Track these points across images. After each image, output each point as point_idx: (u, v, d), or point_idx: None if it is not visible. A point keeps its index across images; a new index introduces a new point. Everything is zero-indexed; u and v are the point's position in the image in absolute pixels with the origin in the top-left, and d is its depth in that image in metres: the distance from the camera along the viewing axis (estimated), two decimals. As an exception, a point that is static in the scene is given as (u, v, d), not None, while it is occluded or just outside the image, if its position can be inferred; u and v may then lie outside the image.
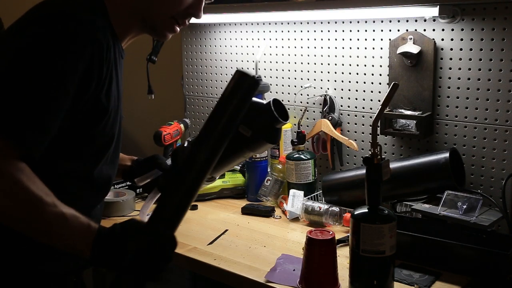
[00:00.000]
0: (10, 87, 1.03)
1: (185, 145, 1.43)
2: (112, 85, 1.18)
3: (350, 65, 1.94)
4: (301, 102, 2.08)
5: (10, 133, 1.01)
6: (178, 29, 1.27)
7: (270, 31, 2.12)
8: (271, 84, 2.12)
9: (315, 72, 2.03)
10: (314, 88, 2.04)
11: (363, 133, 1.94)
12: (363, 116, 1.93)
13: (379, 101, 1.87)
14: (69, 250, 1.06)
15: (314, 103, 2.05)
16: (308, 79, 2.06)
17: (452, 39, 1.71)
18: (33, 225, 1.03)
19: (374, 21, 1.86)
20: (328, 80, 2.00)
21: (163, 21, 1.23)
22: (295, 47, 2.07)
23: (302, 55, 2.06)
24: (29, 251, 1.17)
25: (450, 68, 1.73)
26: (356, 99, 1.94)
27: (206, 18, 2.19)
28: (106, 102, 1.16)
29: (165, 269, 1.03)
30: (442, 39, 1.72)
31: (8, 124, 1.02)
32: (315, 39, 2.01)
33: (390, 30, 1.83)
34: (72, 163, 1.19)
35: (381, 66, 1.87)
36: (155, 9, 1.21)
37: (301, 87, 2.05)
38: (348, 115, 1.97)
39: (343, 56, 1.95)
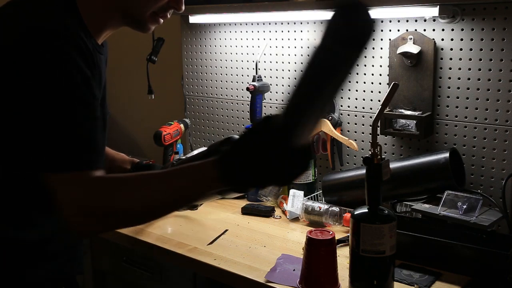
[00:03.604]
0: (45, 124, 1.01)
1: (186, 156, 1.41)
2: (95, 83, 1.14)
3: (350, 65, 1.94)
4: (301, 102, 2.07)
5: (67, 167, 1.01)
6: (162, 20, 1.23)
7: (270, 31, 2.12)
8: (271, 84, 2.11)
9: (315, 72, 2.03)
10: (314, 88, 2.03)
11: (363, 133, 1.94)
12: (363, 116, 1.93)
13: (379, 101, 1.87)
14: (204, 192, 1.03)
15: (314, 103, 2.04)
16: (308, 79, 2.05)
17: (452, 39, 1.71)
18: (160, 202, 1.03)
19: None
20: (328, 80, 2.00)
21: (145, 16, 1.20)
22: (295, 47, 2.07)
23: (302, 55, 2.06)
24: (12, 261, 1.15)
25: (450, 68, 1.73)
26: (356, 99, 1.94)
27: (206, 18, 2.20)
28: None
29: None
30: (442, 39, 1.72)
31: (58, 160, 1.01)
32: (315, 39, 2.00)
33: (390, 30, 1.83)
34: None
35: (381, 66, 1.87)
36: (135, 5, 1.18)
37: (301, 87, 2.05)
38: (348, 115, 1.96)
39: (343, 56, 1.95)
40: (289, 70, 2.10)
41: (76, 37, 1.06)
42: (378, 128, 1.69)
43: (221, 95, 2.33)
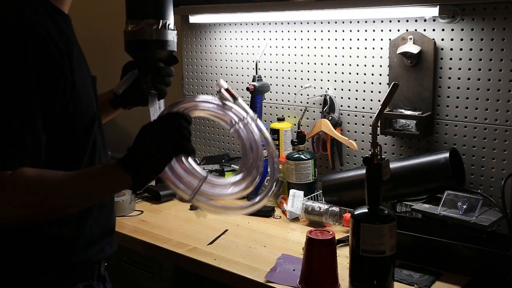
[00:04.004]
0: None
1: None
2: (74, 57, 1.11)
3: (350, 65, 1.94)
4: (301, 102, 2.08)
5: None
6: None
7: (270, 31, 2.12)
8: (271, 84, 2.11)
9: (315, 72, 2.03)
10: (314, 88, 2.04)
11: (363, 133, 1.94)
12: (363, 116, 1.93)
13: (379, 101, 1.87)
14: (111, 193, 1.22)
15: (314, 103, 2.05)
16: (308, 79, 2.06)
17: (452, 39, 1.71)
18: (68, 203, 1.07)
19: (374, 21, 1.86)
20: (328, 80, 2.00)
21: None
22: (295, 47, 2.07)
23: (302, 55, 2.06)
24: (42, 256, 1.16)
25: (450, 68, 1.73)
26: (356, 99, 1.94)
27: (206, 18, 2.20)
28: (71, 76, 1.09)
29: (187, 139, 1.11)
30: (442, 39, 1.72)
31: None
32: (315, 39, 2.01)
33: (390, 30, 1.83)
34: (59, 154, 1.13)
35: (381, 66, 1.87)
36: None
37: (301, 87, 2.05)
38: (348, 115, 1.97)
39: (343, 56, 1.95)
40: (289, 70, 2.10)
41: (29, 19, 1.02)
42: (378, 128, 1.69)
43: (221, 95, 2.32)
